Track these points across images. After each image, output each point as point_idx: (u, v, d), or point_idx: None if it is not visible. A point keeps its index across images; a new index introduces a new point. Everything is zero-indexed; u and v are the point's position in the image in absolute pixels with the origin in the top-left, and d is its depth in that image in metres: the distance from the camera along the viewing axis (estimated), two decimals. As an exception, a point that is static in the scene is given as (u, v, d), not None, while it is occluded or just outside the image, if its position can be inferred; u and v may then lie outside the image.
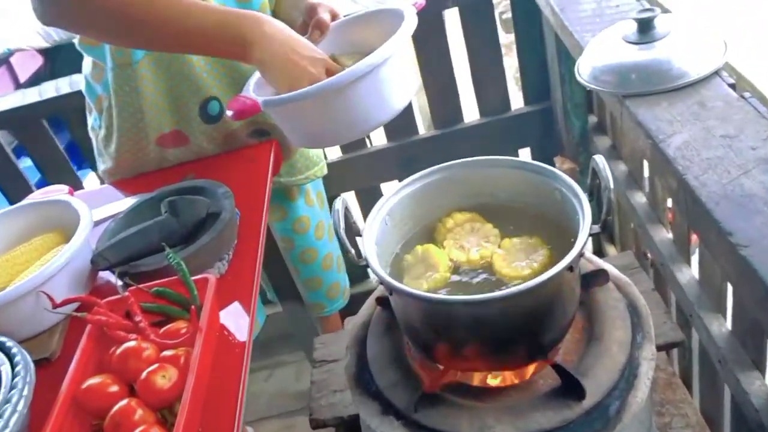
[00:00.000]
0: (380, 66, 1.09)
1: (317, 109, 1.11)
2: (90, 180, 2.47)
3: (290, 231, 1.65)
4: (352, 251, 0.91)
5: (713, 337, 1.26)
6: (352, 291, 2.24)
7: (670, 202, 1.58)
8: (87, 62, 1.40)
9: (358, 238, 0.95)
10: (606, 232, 0.89)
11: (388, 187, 2.25)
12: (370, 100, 1.12)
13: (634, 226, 1.74)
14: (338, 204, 0.93)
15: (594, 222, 0.83)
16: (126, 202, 1.38)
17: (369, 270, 2.33)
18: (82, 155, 2.53)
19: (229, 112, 1.14)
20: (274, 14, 1.40)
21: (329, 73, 1.13)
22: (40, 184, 2.30)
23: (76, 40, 1.36)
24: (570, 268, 0.79)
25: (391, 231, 0.98)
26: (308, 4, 1.33)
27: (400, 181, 2.20)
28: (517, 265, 0.92)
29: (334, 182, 1.92)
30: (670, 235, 1.53)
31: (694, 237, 1.47)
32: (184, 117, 1.39)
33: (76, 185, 1.82)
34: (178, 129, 1.40)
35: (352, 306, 1.92)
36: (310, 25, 1.29)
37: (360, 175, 2.13)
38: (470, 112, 2.15)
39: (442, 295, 0.87)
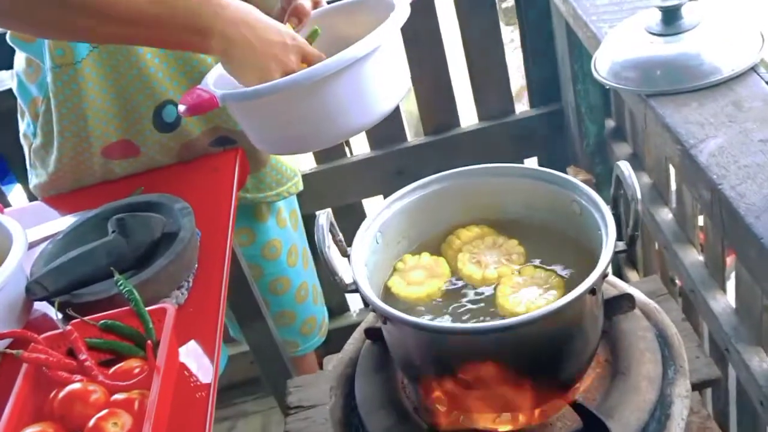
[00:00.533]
0: (364, 59, 1.10)
1: (287, 106, 1.12)
2: (15, 195, 2.46)
3: (259, 257, 1.66)
4: (339, 274, 0.93)
5: (753, 374, 1.29)
6: (330, 325, 2.25)
7: (701, 220, 1.62)
8: (20, 58, 1.41)
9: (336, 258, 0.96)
10: (630, 249, 0.91)
11: (372, 204, 2.28)
12: (351, 99, 1.13)
13: (660, 246, 1.78)
14: (322, 218, 0.95)
15: (618, 239, 0.86)
16: (64, 221, 1.39)
17: (349, 300, 2.39)
18: (5, 166, 2.52)
19: (181, 107, 1.13)
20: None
21: (306, 62, 1.14)
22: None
23: (8, 34, 1.37)
24: (592, 290, 0.81)
25: (383, 250, 1.00)
26: None
27: (385, 196, 2.24)
28: (518, 298, 0.95)
29: (308, 198, 1.94)
30: (702, 258, 1.57)
31: (729, 259, 1.51)
32: (134, 125, 1.40)
33: (-2, 200, 1.83)
34: (127, 138, 1.42)
35: (330, 343, 1.94)
36: (287, 12, 1.32)
37: (339, 189, 2.15)
38: (467, 115, 2.18)
39: (447, 324, 0.89)
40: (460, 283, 1.01)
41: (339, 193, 2.16)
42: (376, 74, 1.15)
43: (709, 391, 1.58)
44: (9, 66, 1.64)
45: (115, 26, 1.11)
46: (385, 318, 0.86)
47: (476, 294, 0.98)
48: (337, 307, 2.35)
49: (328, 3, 1.39)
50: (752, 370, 1.30)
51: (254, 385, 2.33)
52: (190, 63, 1.38)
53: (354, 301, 2.44)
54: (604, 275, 0.84)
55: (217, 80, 1.23)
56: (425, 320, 0.87)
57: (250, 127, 1.24)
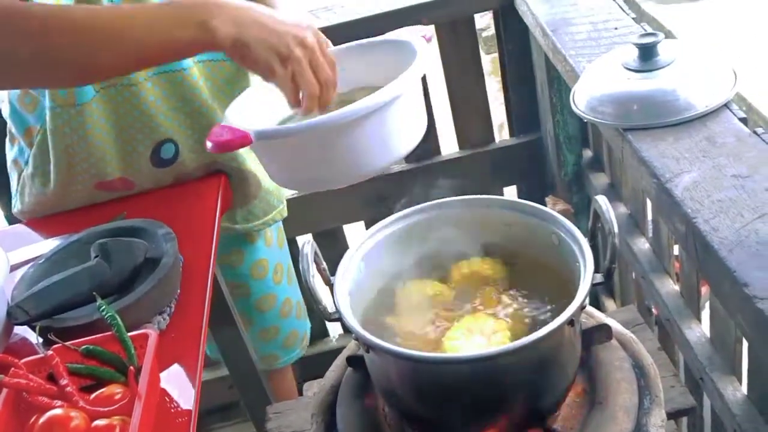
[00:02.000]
0: (396, 100, 1.10)
1: (318, 145, 1.12)
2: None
3: (247, 276, 1.67)
4: (322, 303, 0.94)
5: (727, 403, 1.32)
6: (309, 351, 2.26)
7: (676, 250, 1.65)
8: None
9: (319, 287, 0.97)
10: (607, 281, 0.93)
11: (353, 230, 2.29)
12: (377, 139, 1.13)
13: (636, 276, 1.80)
14: (306, 248, 0.96)
15: (596, 270, 0.88)
16: (46, 245, 1.39)
17: (329, 326, 2.40)
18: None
19: (209, 145, 1.11)
20: None
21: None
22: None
23: None
24: (571, 322, 0.83)
25: (366, 279, 1.01)
26: None
27: (366, 222, 2.25)
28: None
29: (290, 223, 1.94)
30: (678, 287, 1.60)
31: (704, 289, 1.54)
32: (132, 164, 1.41)
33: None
34: (123, 176, 1.43)
35: (309, 369, 1.94)
36: None
37: (319, 215, 2.16)
38: (448, 143, 2.21)
39: (428, 353, 0.90)
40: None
41: (320, 219, 2.18)
42: (401, 118, 1.16)
43: (684, 420, 1.60)
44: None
45: (122, 58, 1.11)
46: (368, 347, 0.87)
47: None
48: (316, 333, 2.35)
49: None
50: (726, 399, 1.33)
51: (232, 410, 2.33)
52: (189, 102, 1.39)
53: (333, 327, 2.45)
54: (582, 307, 0.86)
55: (239, 116, 1.21)
56: (406, 349, 0.88)
57: (274, 163, 1.23)
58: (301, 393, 1.82)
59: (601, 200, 0.91)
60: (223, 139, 1.10)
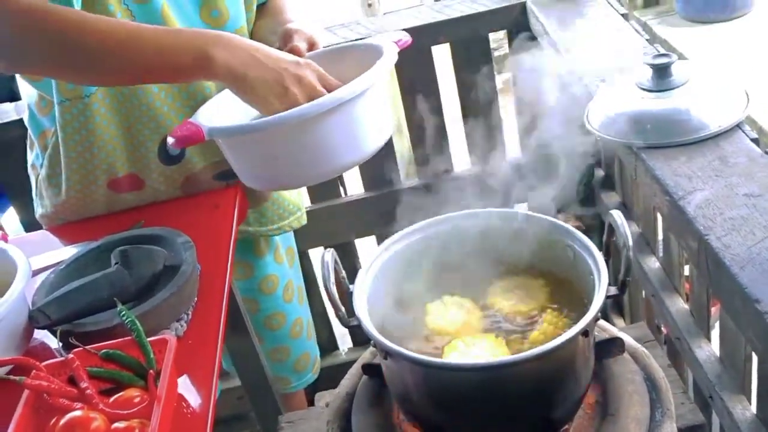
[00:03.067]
0: (354, 100, 1.14)
1: (275, 143, 1.15)
2: (7, 219, 2.48)
3: (255, 291, 1.68)
4: (342, 310, 0.96)
5: (736, 422, 1.32)
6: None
7: (687, 270, 1.67)
8: (32, 91, 1.44)
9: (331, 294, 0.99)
10: (621, 293, 0.95)
11: (364, 243, 2.31)
12: (339, 138, 1.17)
13: (646, 294, 1.81)
14: (327, 256, 0.98)
15: (610, 283, 0.90)
16: (66, 251, 1.41)
17: (339, 339, 2.41)
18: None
19: (170, 139, 1.18)
20: (251, 38, 1.47)
21: (324, 84, 1.18)
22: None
23: None
24: (585, 332, 0.85)
25: (383, 289, 1.03)
26: (284, 29, 1.40)
27: (377, 236, 2.27)
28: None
29: (301, 236, 1.97)
30: (687, 306, 1.61)
31: (714, 309, 1.55)
32: (140, 159, 1.44)
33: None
34: (133, 172, 1.45)
35: (319, 381, 1.95)
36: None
37: (332, 228, 2.19)
38: (460, 159, 2.23)
39: (444, 360, 0.92)
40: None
41: (332, 232, 2.20)
42: (364, 116, 1.20)
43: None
44: (8, 99, 1.68)
45: (123, 72, 1.21)
46: (386, 353, 0.89)
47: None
48: (326, 346, 2.38)
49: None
50: (735, 417, 1.33)
51: (241, 421, 2.34)
52: (195, 98, 1.41)
53: (343, 341, 2.47)
54: (597, 318, 0.88)
55: (214, 114, 1.26)
56: (423, 356, 0.90)
57: (238, 162, 1.27)
58: (310, 404, 1.84)
59: (616, 215, 0.94)
60: (180, 134, 1.16)
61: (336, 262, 1.00)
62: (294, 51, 1.34)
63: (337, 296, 0.97)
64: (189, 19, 1.36)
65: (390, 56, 1.24)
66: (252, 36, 1.48)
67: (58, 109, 1.37)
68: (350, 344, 2.45)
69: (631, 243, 0.90)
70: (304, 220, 1.69)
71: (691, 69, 1.28)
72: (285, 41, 1.38)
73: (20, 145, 1.89)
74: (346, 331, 2.44)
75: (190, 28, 1.26)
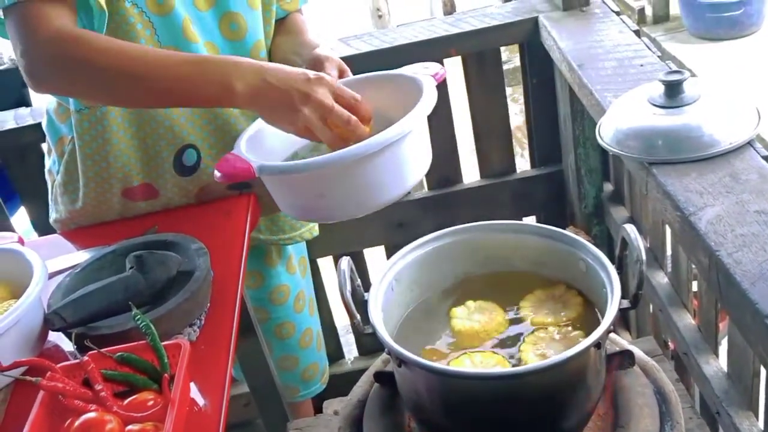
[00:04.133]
0: (401, 140, 1.16)
1: (324, 181, 1.17)
2: (17, 219, 2.50)
3: (266, 301, 1.70)
4: (358, 317, 0.97)
5: (744, 438, 1.34)
6: (324, 372, 2.27)
7: (695, 286, 1.68)
8: (51, 97, 1.46)
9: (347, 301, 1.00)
10: (633, 307, 0.96)
11: (373, 254, 2.33)
12: (385, 175, 1.19)
13: (654, 309, 1.83)
14: (344, 264, 1.00)
15: (623, 297, 0.91)
16: (80, 256, 1.43)
17: (344, 348, 2.42)
18: (10, 190, 2.55)
19: (216, 174, 1.20)
20: (271, 58, 1.49)
21: (337, 97, 1.20)
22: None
23: None
24: (597, 345, 0.86)
25: (397, 298, 1.05)
26: (314, 55, 1.41)
27: (386, 247, 2.28)
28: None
29: (310, 245, 1.98)
30: (695, 322, 1.62)
31: (722, 325, 1.56)
32: (155, 169, 1.45)
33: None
34: (148, 182, 1.47)
35: (326, 390, 1.96)
36: None
37: (342, 238, 2.19)
38: (470, 172, 2.25)
39: (458, 368, 0.93)
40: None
41: (342, 242, 2.21)
42: (408, 154, 1.21)
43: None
44: (18, 104, 1.71)
45: (149, 97, 1.26)
46: (400, 361, 0.91)
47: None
48: (332, 355, 2.38)
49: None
50: (742, 433, 1.35)
51: (247, 428, 2.34)
52: (212, 110, 1.43)
53: (348, 350, 2.48)
54: (609, 331, 0.89)
55: (249, 142, 1.28)
56: (437, 364, 0.91)
57: (282, 195, 1.28)
58: (317, 413, 1.85)
59: (629, 228, 0.95)
60: (228, 171, 1.17)
61: (352, 270, 1.01)
62: None
63: (352, 304, 0.98)
64: (209, 33, 1.38)
65: (432, 93, 1.25)
66: (272, 53, 1.50)
67: (75, 117, 1.39)
68: (356, 353, 2.46)
69: (644, 257, 0.92)
70: (316, 232, 1.71)
71: (703, 86, 1.29)
72: (315, 68, 1.37)
73: (35, 148, 1.92)
74: (352, 339, 2.46)
75: (212, 57, 1.31)
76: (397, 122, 1.17)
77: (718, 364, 1.51)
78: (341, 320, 2.43)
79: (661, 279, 1.76)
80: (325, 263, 2.27)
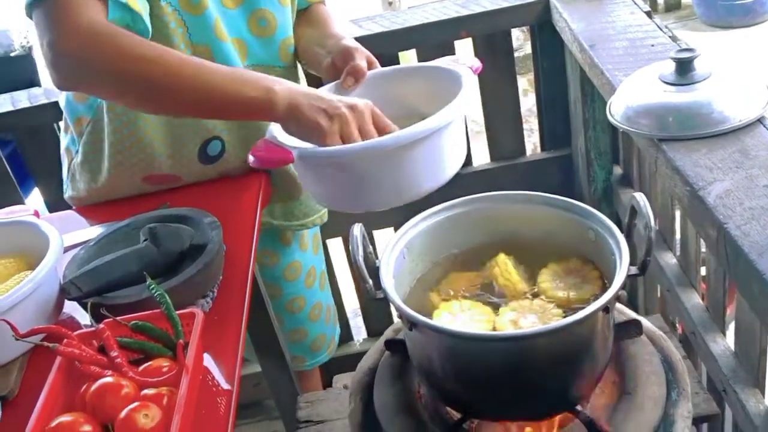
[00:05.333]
0: (441, 129, 1.16)
1: (362, 169, 1.16)
2: (31, 200, 2.53)
3: (280, 278, 1.73)
4: (370, 282, 0.99)
5: (750, 415, 1.35)
6: (334, 354, 2.30)
7: (703, 271, 1.69)
8: None
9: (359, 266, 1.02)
10: (642, 273, 0.98)
11: (382, 235, 2.34)
12: (423, 165, 1.19)
13: (662, 290, 1.84)
14: (356, 230, 1.02)
15: (631, 264, 0.93)
16: (94, 231, 1.45)
17: (353, 330, 2.44)
18: (24, 171, 2.59)
19: (251, 158, 1.20)
20: (296, 51, 1.50)
21: (377, 125, 1.19)
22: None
23: None
24: (606, 309, 0.88)
25: (408, 265, 1.07)
26: (342, 46, 1.42)
27: (395, 228, 2.30)
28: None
29: (321, 228, 2.01)
30: (703, 303, 1.64)
31: (729, 309, 1.58)
32: (180, 160, 1.48)
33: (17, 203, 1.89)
34: (171, 172, 1.49)
35: (334, 372, 1.98)
36: (344, 70, 1.38)
37: (351, 220, 2.19)
38: (479, 155, 2.26)
39: (468, 330, 0.95)
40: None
41: (351, 224, 2.21)
42: (448, 144, 1.21)
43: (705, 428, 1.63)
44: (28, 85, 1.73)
45: (191, 108, 1.25)
46: (411, 324, 0.93)
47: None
48: (341, 337, 2.41)
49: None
50: (749, 410, 1.36)
51: (255, 408, 2.38)
52: None
53: (357, 332, 2.51)
54: (617, 295, 0.91)
55: (279, 129, 1.27)
56: (449, 326, 0.93)
57: (316, 184, 1.28)
58: (326, 386, 1.89)
59: (639, 196, 0.97)
60: (265, 156, 1.17)
61: (364, 236, 1.03)
62: (356, 69, 1.37)
63: (365, 269, 1.00)
64: (238, 31, 1.39)
65: (471, 85, 1.25)
66: (296, 45, 1.50)
67: (105, 106, 1.41)
68: (365, 335, 2.49)
69: (653, 224, 0.93)
70: (326, 218, 1.73)
71: (715, 63, 1.31)
72: (345, 59, 1.40)
73: (49, 128, 1.94)
74: (361, 322, 2.49)
75: (250, 72, 1.27)
76: (430, 114, 1.17)
77: (725, 342, 1.52)
78: (350, 304, 2.46)
79: (669, 260, 1.77)
80: (335, 244, 2.29)
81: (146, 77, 1.18)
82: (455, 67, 1.32)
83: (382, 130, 1.18)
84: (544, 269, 1.09)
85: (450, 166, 1.24)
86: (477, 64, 1.35)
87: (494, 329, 0.99)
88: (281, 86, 1.19)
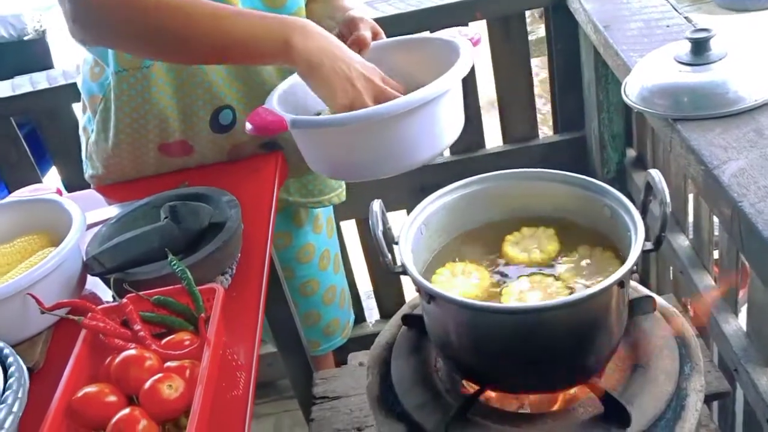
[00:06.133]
0: (437, 99, 1.18)
1: (359, 137, 1.18)
2: (50, 177, 2.57)
3: (293, 260, 1.75)
4: (389, 256, 1.02)
5: (761, 394, 1.37)
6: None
7: (716, 255, 1.71)
8: (88, 56, 1.50)
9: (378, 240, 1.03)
10: (656, 249, 0.99)
11: (396, 217, 2.37)
12: (420, 134, 1.21)
13: (674, 272, 1.86)
14: (375, 206, 1.04)
15: (646, 239, 0.95)
16: (114, 210, 1.48)
17: (366, 312, 2.47)
18: (42, 150, 2.62)
19: (248, 126, 1.22)
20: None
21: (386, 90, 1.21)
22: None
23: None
24: (621, 283, 0.90)
25: (426, 241, 1.09)
26: (348, 17, 1.44)
27: (408, 211, 2.32)
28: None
29: (335, 210, 2.03)
30: (716, 284, 1.65)
31: (741, 293, 1.59)
32: (192, 127, 1.49)
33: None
34: (184, 139, 1.51)
35: (348, 353, 2.01)
36: (348, 39, 1.39)
37: (365, 202, 2.21)
38: (493, 137, 2.28)
39: (486, 302, 0.98)
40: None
41: (364, 206, 2.22)
42: (445, 113, 1.23)
43: (716, 407, 1.65)
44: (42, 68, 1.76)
45: (209, 53, 1.24)
46: (429, 297, 0.95)
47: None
48: (354, 318, 2.44)
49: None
50: (760, 389, 1.38)
51: (268, 388, 2.42)
52: (249, 69, 1.46)
53: (370, 314, 2.54)
54: (633, 271, 0.93)
55: (280, 98, 1.30)
56: (464, 298, 0.96)
57: (312, 151, 1.30)
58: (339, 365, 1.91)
59: (654, 173, 0.98)
60: (261, 123, 1.19)
61: (383, 212, 1.05)
62: (360, 39, 1.38)
63: (383, 242, 1.03)
64: (251, 2, 1.40)
65: (469, 55, 1.26)
66: (307, 17, 1.51)
67: (115, 78, 1.42)
68: (377, 317, 2.51)
69: (668, 200, 0.95)
70: (343, 197, 1.74)
71: (730, 44, 1.31)
72: (350, 29, 1.42)
73: (66, 109, 1.97)
74: (374, 304, 2.52)
75: (273, 15, 1.26)
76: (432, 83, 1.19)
77: (737, 323, 1.54)
78: (363, 286, 2.49)
79: (682, 242, 1.79)
80: (348, 226, 2.32)
81: (166, 28, 1.19)
82: (455, 39, 1.34)
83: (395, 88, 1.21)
84: (565, 258, 1.11)
85: (446, 135, 1.26)
86: (477, 35, 1.37)
87: (490, 296, 1.03)
88: (301, 37, 1.19)
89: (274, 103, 1.27)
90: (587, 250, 1.08)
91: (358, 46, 1.37)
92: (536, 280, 1.03)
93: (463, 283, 1.06)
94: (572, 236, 1.10)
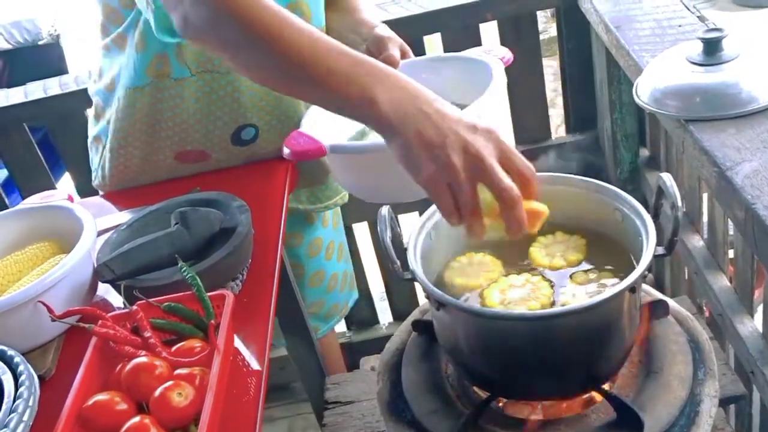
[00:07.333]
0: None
1: (393, 164, 1.13)
2: (63, 183, 2.58)
3: (303, 256, 1.76)
4: (397, 263, 1.01)
5: (779, 397, 1.36)
6: (360, 337, 2.34)
7: (731, 254, 1.69)
8: (109, 64, 1.49)
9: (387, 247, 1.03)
10: (668, 254, 0.98)
11: (406, 220, 2.36)
12: None
13: (689, 273, 1.84)
14: (384, 211, 1.03)
15: (658, 244, 0.94)
16: (125, 216, 1.48)
17: (379, 314, 2.47)
18: (56, 156, 2.64)
19: (286, 151, 1.20)
20: (327, 33, 1.50)
21: (506, 161, 0.92)
22: (6, 186, 2.41)
23: (103, 41, 1.45)
24: (632, 289, 0.89)
25: (435, 246, 1.09)
26: (376, 35, 1.43)
27: (420, 213, 2.32)
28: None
29: (347, 212, 2.03)
30: (732, 284, 1.63)
31: (758, 291, 1.57)
32: (212, 140, 1.50)
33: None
34: (202, 149, 1.52)
35: (361, 354, 2.01)
36: (377, 59, 1.38)
37: (376, 205, 2.22)
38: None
39: (497, 310, 0.97)
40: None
41: (376, 208, 2.22)
42: None
43: (732, 410, 1.63)
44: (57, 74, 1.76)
45: (289, 84, 1.07)
46: (439, 304, 0.94)
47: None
48: (367, 321, 2.44)
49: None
50: (777, 392, 1.37)
51: (282, 391, 2.42)
52: (281, 95, 1.44)
53: (383, 316, 2.53)
54: (644, 275, 0.92)
55: (312, 119, 1.29)
56: (475, 306, 0.95)
57: (346, 173, 1.30)
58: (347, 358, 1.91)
59: (666, 176, 0.97)
60: (300, 149, 1.18)
61: (392, 218, 1.05)
62: (389, 59, 1.35)
63: (392, 249, 1.02)
64: None
65: (501, 76, 1.26)
66: (327, 28, 1.50)
67: (141, 86, 1.41)
68: (390, 319, 2.51)
69: (680, 204, 0.94)
70: (346, 199, 1.75)
71: (743, 43, 1.30)
72: (379, 49, 1.40)
73: (79, 114, 1.98)
74: (386, 306, 2.51)
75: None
76: (460, 104, 1.18)
77: (753, 324, 1.52)
78: (376, 287, 2.48)
79: (696, 242, 1.77)
80: (361, 229, 2.32)
81: (265, 53, 1.03)
82: (485, 58, 1.33)
83: (520, 177, 0.92)
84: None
85: None
86: (508, 55, 1.36)
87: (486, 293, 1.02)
88: (385, 93, 0.96)
89: (306, 128, 1.25)
90: (609, 274, 1.04)
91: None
92: (533, 281, 1.02)
93: (474, 272, 1.06)
94: (602, 255, 1.07)
